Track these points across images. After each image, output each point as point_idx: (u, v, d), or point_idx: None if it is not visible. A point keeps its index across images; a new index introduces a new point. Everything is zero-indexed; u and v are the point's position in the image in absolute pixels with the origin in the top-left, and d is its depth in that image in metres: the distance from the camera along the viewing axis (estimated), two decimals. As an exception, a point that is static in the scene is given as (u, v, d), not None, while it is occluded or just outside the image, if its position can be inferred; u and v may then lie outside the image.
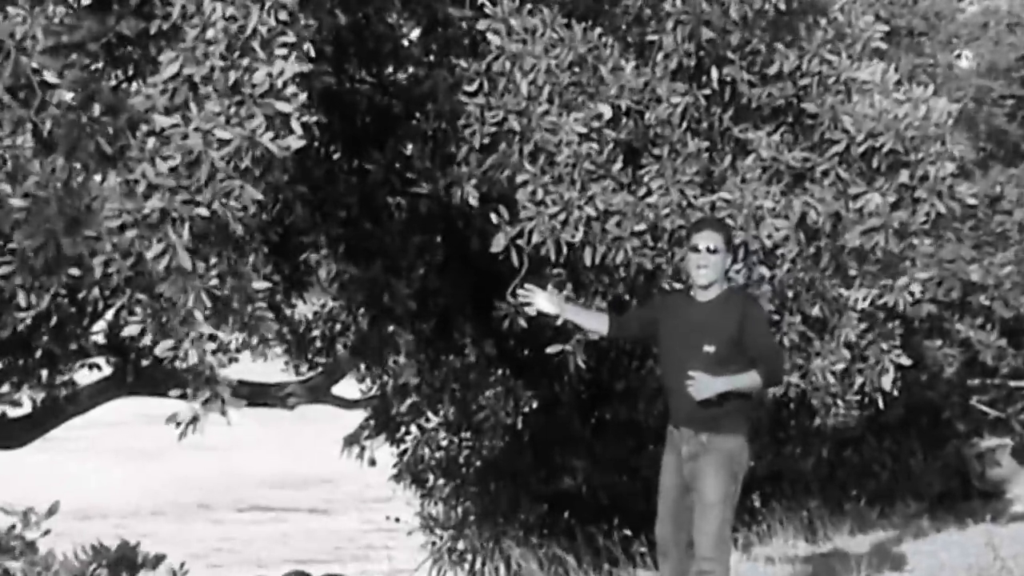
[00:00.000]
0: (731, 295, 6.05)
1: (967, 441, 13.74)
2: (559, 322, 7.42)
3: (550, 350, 7.69)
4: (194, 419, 5.79)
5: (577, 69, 7.50)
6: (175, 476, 23.69)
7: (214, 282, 5.61)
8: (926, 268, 7.85)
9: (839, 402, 8.29)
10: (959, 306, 12.47)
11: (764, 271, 7.55)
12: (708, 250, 5.98)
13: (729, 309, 5.95)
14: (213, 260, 5.63)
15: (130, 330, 5.76)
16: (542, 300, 6.50)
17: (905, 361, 8.12)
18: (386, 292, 7.93)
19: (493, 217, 7.24)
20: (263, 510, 22.69)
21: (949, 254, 11.60)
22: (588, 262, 7.21)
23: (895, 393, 8.27)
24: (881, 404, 8.29)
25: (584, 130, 7.23)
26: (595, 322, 6.54)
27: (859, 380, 8.11)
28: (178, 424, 5.79)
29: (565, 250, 7.14)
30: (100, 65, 6.91)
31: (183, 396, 5.88)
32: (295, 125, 5.54)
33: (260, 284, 5.93)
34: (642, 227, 7.24)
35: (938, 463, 13.40)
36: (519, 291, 6.60)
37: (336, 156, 8.39)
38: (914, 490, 12.76)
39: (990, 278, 12.32)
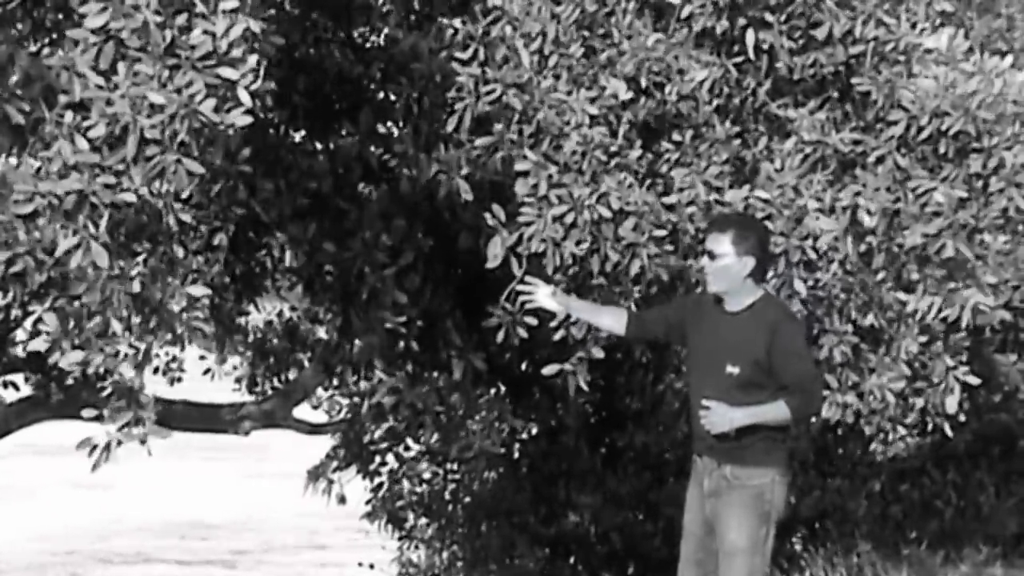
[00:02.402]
0: (766, 306, 6.05)
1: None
2: (558, 335, 7.43)
3: (546, 371, 7.67)
4: (107, 447, 5.76)
5: (587, 33, 7.47)
6: (58, 522, 23.14)
7: (136, 287, 5.54)
8: (999, 271, 7.78)
9: (898, 428, 8.26)
10: (1039, 314, 12.43)
11: (800, 287, 7.50)
12: (710, 256, 6.01)
13: (759, 324, 5.95)
14: (139, 258, 5.57)
15: (35, 344, 5.71)
16: (545, 296, 6.55)
17: (973, 380, 8.10)
18: (363, 277, 7.83)
19: (488, 218, 7.20)
20: (155, 562, 22.09)
21: (1027, 255, 11.56)
22: (596, 270, 7.18)
23: (962, 417, 8.24)
24: (948, 430, 8.27)
25: (597, 112, 7.21)
26: (610, 319, 6.58)
27: (919, 402, 8.08)
28: (91, 451, 5.76)
29: (570, 260, 7.13)
30: (19, 28, 6.89)
31: (99, 418, 5.85)
32: (243, 95, 5.44)
33: (198, 290, 5.88)
34: (662, 232, 7.22)
35: (1013, 499, 13.37)
36: (519, 287, 6.66)
37: (301, 134, 8.38)
38: (985, 531, 12.72)
39: (1076, 282, 12.28)
